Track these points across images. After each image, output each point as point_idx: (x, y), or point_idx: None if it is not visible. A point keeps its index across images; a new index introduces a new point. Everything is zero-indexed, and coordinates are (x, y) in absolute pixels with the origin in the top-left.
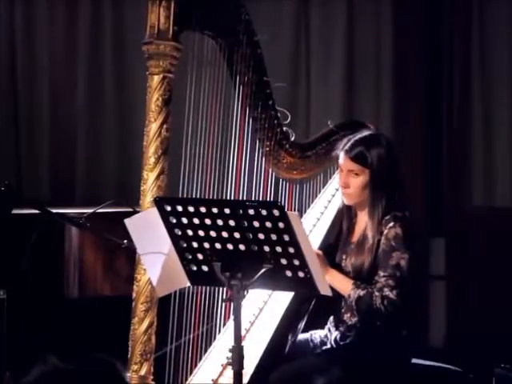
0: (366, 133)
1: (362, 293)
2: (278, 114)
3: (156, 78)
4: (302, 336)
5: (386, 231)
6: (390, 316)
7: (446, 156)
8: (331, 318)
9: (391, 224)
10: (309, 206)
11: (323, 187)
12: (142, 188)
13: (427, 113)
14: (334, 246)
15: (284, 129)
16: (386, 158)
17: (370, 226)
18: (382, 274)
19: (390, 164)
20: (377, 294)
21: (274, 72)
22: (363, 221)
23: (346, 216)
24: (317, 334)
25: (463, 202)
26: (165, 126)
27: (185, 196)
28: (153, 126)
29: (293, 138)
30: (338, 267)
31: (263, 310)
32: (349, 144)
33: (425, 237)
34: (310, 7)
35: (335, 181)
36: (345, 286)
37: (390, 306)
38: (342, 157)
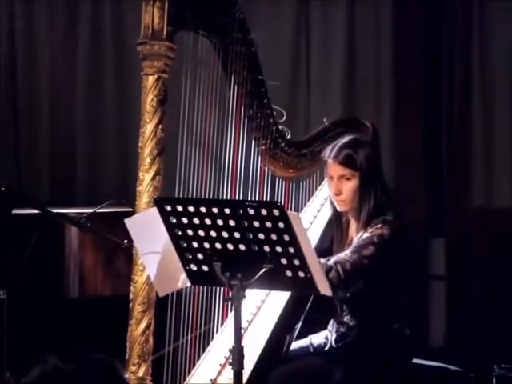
0: (348, 137)
1: None
2: (274, 113)
3: (151, 79)
4: (301, 342)
5: (371, 229)
6: None
7: (446, 156)
8: (332, 320)
9: (379, 226)
10: (305, 204)
11: (319, 185)
12: (138, 189)
13: (427, 113)
14: (328, 251)
15: (280, 127)
16: (373, 157)
17: (358, 229)
18: (348, 254)
19: (376, 164)
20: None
21: (274, 72)
22: (354, 226)
23: (336, 224)
24: (316, 338)
25: (463, 203)
26: (160, 127)
27: (181, 196)
28: (148, 127)
29: (288, 137)
30: None
31: (261, 308)
32: (335, 150)
33: (425, 237)
34: (310, 7)
35: None
36: None
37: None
38: (330, 164)
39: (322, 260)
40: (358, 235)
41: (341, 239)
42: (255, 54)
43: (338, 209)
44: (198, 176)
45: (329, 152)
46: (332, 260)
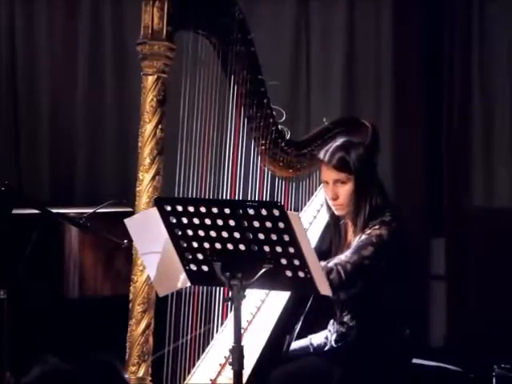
0: (339, 140)
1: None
2: (274, 113)
3: (150, 79)
4: (301, 342)
5: (369, 231)
6: None
7: (446, 156)
8: (332, 320)
9: (377, 227)
10: (305, 204)
11: (319, 185)
12: (137, 189)
13: (427, 113)
14: (327, 252)
15: (279, 127)
16: (365, 158)
17: (356, 232)
18: (348, 255)
19: (369, 165)
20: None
21: (274, 72)
22: (352, 229)
23: (334, 228)
24: (316, 338)
25: (463, 203)
26: (160, 127)
27: (181, 196)
28: (148, 127)
29: (288, 136)
30: None
31: (261, 308)
32: (327, 155)
33: (425, 237)
34: (310, 7)
35: None
36: None
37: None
38: (324, 170)
39: (323, 263)
40: (356, 238)
41: (339, 243)
42: (255, 54)
43: (336, 213)
44: (197, 176)
45: (322, 156)
46: (332, 262)
